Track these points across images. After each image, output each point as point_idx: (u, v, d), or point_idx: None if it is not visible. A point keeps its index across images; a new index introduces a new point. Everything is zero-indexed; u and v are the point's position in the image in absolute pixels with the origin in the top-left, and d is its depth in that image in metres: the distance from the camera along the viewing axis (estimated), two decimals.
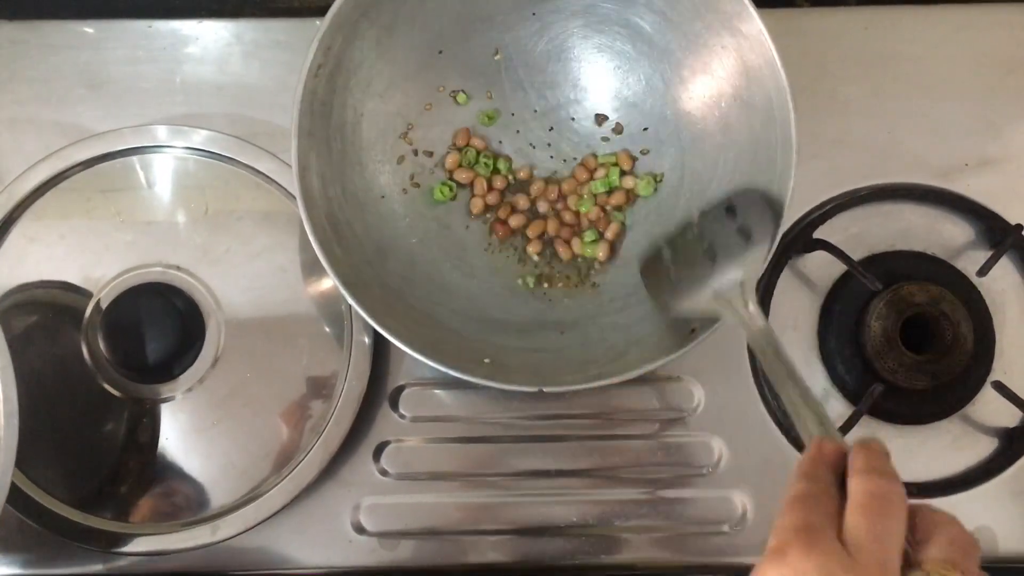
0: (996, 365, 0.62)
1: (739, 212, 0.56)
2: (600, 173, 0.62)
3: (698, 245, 0.57)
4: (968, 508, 0.61)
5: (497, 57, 0.62)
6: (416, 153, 0.62)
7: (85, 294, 0.61)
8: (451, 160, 0.62)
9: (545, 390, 0.52)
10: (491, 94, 0.63)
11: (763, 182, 0.54)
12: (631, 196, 0.62)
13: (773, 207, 0.53)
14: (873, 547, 0.35)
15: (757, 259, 0.51)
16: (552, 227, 0.62)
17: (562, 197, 0.63)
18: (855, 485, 0.37)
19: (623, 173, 0.62)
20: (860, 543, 0.35)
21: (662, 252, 0.58)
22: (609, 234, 0.62)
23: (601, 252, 0.61)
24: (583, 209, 0.62)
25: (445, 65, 0.61)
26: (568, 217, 0.62)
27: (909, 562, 0.36)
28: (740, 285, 0.50)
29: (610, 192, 0.62)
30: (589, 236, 0.62)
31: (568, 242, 0.62)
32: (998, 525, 0.61)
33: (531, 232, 0.62)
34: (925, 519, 0.37)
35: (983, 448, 0.62)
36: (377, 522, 0.61)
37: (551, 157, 0.63)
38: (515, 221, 0.62)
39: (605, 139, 0.63)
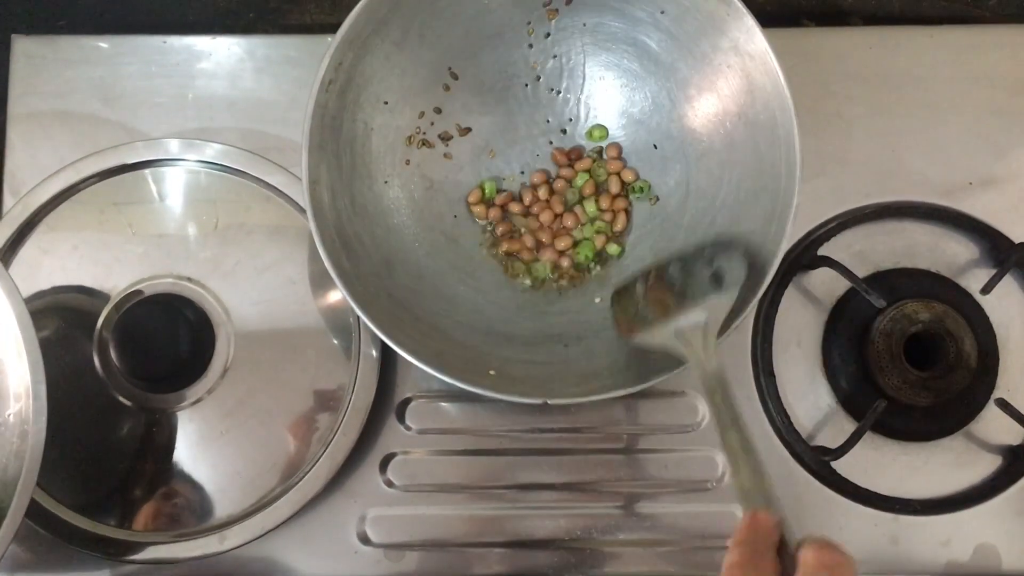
0: (1000, 383, 0.63)
1: (716, 259, 0.56)
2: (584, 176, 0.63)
3: (671, 286, 0.57)
4: (971, 526, 0.61)
5: (506, 73, 0.63)
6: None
7: (97, 305, 0.61)
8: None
9: (549, 402, 0.53)
10: (498, 110, 0.64)
11: (766, 200, 0.55)
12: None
13: (752, 257, 0.54)
14: None
15: (723, 304, 0.52)
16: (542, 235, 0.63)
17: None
18: (808, 553, 0.37)
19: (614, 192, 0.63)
20: None
21: (636, 285, 0.59)
22: (598, 242, 0.63)
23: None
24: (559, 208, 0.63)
25: (453, 81, 0.62)
26: (545, 218, 0.63)
27: None
28: (703, 327, 0.51)
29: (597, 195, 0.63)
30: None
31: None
32: (1001, 543, 0.61)
33: (526, 242, 0.63)
34: None
35: (986, 466, 0.62)
36: (383, 533, 0.61)
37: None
38: (508, 244, 0.63)
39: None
